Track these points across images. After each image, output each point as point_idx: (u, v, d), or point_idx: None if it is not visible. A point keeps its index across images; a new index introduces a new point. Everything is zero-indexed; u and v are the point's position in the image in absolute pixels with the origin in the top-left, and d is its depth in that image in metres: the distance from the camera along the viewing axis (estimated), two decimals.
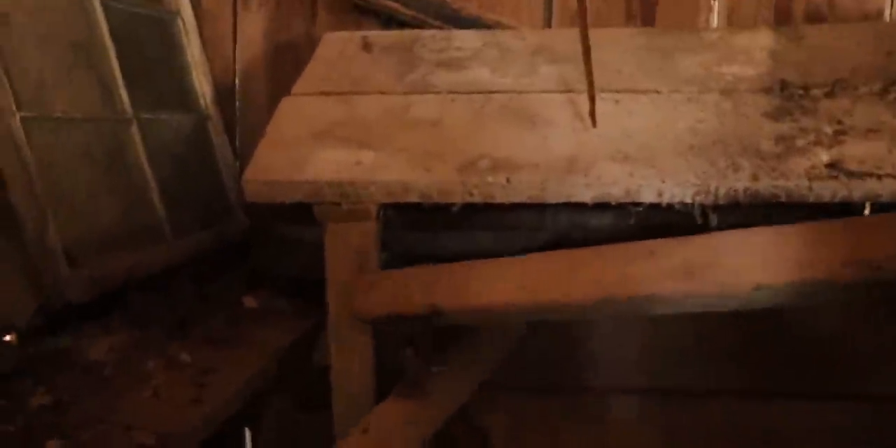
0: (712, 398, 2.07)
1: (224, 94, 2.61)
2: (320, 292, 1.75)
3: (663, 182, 1.58)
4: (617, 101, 1.82)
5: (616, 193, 1.60)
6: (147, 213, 2.09)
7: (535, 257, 1.65)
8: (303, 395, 2.02)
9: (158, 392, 1.58)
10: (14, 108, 1.66)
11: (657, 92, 1.87)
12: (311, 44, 2.38)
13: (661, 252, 1.54)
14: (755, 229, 1.54)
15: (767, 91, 1.86)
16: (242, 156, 2.57)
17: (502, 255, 2.19)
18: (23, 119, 1.66)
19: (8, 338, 1.58)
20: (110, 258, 1.85)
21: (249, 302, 2.11)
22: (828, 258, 1.46)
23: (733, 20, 2.48)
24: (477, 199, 1.65)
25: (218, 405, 1.57)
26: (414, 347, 1.70)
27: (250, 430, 2.26)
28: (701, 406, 2.06)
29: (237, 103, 2.64)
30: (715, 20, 2.47)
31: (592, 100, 1.73)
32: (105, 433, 1.37)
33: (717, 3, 2.48)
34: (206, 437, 1.50)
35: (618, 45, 2.06)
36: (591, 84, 1.72)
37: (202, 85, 2.52)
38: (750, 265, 1.49)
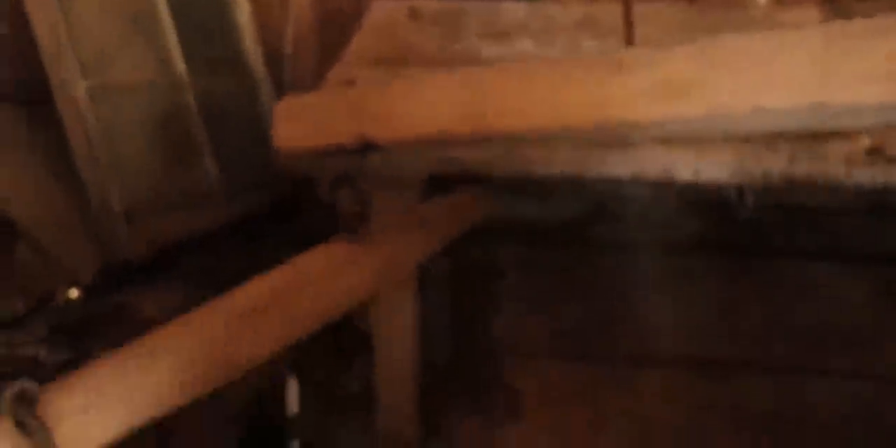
0: (744, 370, 2.14)
1: (274, 59, 2.68)
2: None
3: (700, 161, 1.62)
4: None
5: (652, 171, 1.64)
6: (200, 176, 2.19)
7: (481, 73, 1.47)
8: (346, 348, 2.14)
9: None
10: (79, 77, 1.76)
11: None
12: (360, 10, 2.43)
13: (635, 65, 1.34)
14: (757, 35, 1.36)
15: None
16: None
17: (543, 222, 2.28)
18: (87, 88, 1.76)
19: (73, 294, 1.70)
20: (166, 219, 1.95)
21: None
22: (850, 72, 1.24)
23: None
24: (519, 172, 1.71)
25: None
26: (350, 188, 1.50)
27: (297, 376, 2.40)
28: (732, 378, 2.13)
29: (286, 68, 2.71)
30: None
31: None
32: None
33: None
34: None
35: (661, 20, 2.08)
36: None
37: (253, 51, 2.59)
38: (749, 82, 1.31)
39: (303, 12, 2.73)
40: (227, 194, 2.24)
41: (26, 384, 0.91)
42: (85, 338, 1.58)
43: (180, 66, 2.19)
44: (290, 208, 2.41)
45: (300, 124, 1.58)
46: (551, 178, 1.64)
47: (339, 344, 2.22)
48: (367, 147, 1.45)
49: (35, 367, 1.44)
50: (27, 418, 0.90)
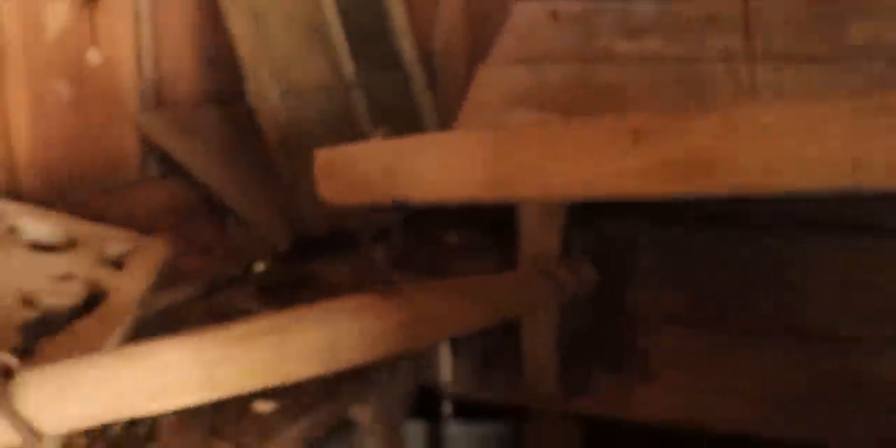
0: (869, 345, 2.24)
1: (426, 55, 2.97)
2: (509, 230, 2.08)
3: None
4: (777, 70, 2.01)
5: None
6: None
7: (507, 138, 1.46)
8: None
9: None
10: (271, 82, 2.09)
11: (819, 60, 2.03)
12: (504, 12, 2.67)
13: (654, 136, 1.27)
14: (786, 106, 1.24)
15: None
16: (441, 111, 2.93)
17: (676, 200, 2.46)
18: (280, 92, 2.09)
19: (259, 267, 2.05)
20: None
21: (451, 238, 2.49)
22: None
23: None
24: None
25: None
26: (387, 241, 1.60)
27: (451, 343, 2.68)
28: (855, 352, 2.24)
29: (437, 64, 2.99)
30: None
31: (752, 70, 1.93)
32: None
33: None
34: None
35: (785, 10, 2.21)
36: (752, 53, 1.92)
37: (408, 48, 2.89)
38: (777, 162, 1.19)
39: (452, 15, 3.00)
40: None
41: (5, 358, 1.02)
42: (284, 296, 1.92)
43: (349, 67, 2.51)
44: None
45: (339, 182, 1.65)
46: None
47: None
48: (401, 206, 1.52)
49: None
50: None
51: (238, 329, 1.18)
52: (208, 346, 1.13)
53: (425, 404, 2.89)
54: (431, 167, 1.51)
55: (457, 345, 2.54)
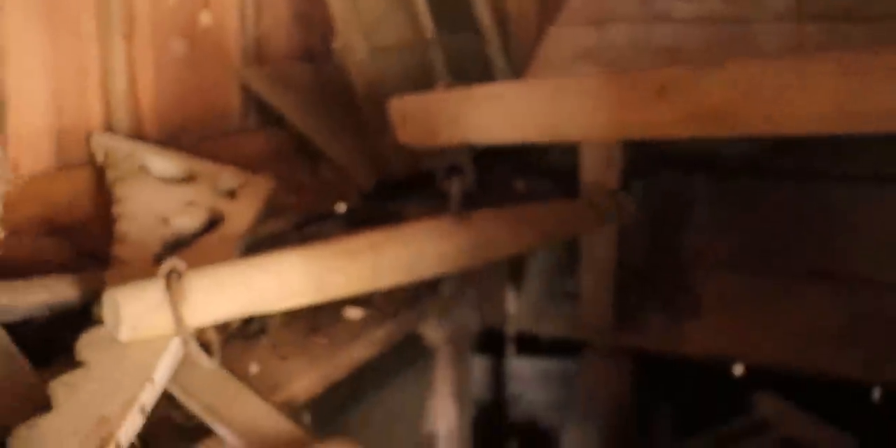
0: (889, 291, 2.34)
1: (500, 18, 3.16)
2: (571, 178, 2.26)
3: None
4: (824, 30, 2.15)
5: None
6: None
7: (554, 89, 1.74)
8: (557, 256, 2.61)
9: None
10: (362, 40, 2.33)
11: (862, 20, 2.15)
12: None
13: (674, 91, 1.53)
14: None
15: None
16: (514, 71, 3.13)
17: (729, 155, 2.63)
18: (369, 50, 2.33)
19: (341, 208, 2.30)
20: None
21: (519, 185, 2.71)
22: None
23: None
24: None
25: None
26: (458, 177, 1.82)
27: (513, 284, 2.90)
28: (887, 296, 2.34)
29: (511, 27, 3.18)
30: None
31: (801, 30, 2.08)
32: None
33: None
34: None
35: None
36: (801, 14, 2.07)
37: (485, 12, 3.08)
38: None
39: None
40: None
41: (176, 262, 1.26)
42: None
43: (429, 27, 2.72)
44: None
45: (411, 126, 1.95)
46: None
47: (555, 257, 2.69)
48: (466, 145, 1.82)
49: None
50: (174, 282, 1.25)
51: (344, 244, 1.44)
52: (321, 257, 1.39)
53: (491, 343, 3.15)
54: (490, 114, 1.77)
55: (519, 284, 2.76)
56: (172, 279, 1.25)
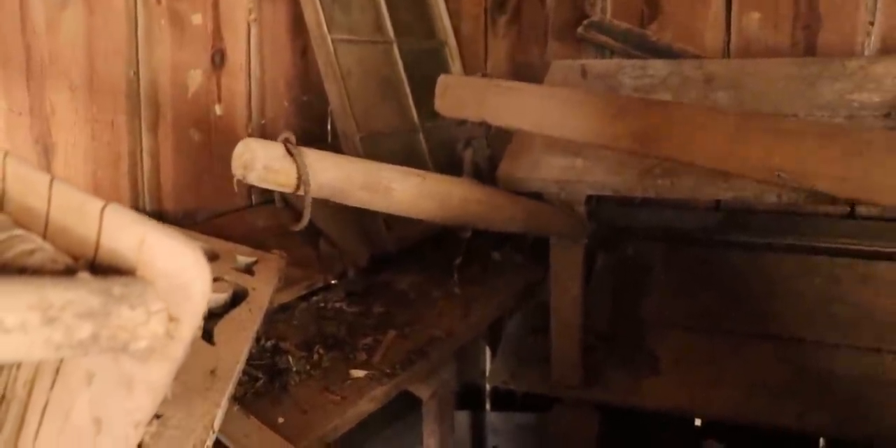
0: (836, 349, 2.61)
1: None
2: (545, 250, 2.51)
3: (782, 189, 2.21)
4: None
5: (748, 196, 2.20)
6: None
7: (538, 97, 2.22)
8: (530, 321, 2.89)
9: (442, 311, 2.41)
10: (355, 129, 2.65)
11: (795, 116, 2.50)
12: (544, 65, 3.14)
13: (626, 115, 2.07)
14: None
15: (886, 116, 2.43)
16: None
17: (685, 228, 2.97)
18: (360, 137, 2.65)
19: (352, 273, 2.59)
20: (410, 224, 2.79)
21: (496, 256, 3.00)
22: None
23: (888, 44, 2.89)
24: (651, 195, 2.40)
25: (478, 320, 2.49)
26: (474, 148, 2.28)
27: (490, 346, 3.18)
28: (824, 354, 2.60)
29: None
30: (871, 44, 2.92)
31: None
32: (415, 329, 2.32)
33: (874, 28, 2.94)
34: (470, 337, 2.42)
35: (771, 74, 2.65)
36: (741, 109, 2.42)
37: None
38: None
39: (500, 63, 3.52)
40: None
41: (289, 134, 1.46)
42: (366, 299, 2.46)
43: (415, 116, 3.04)
44: None
45: (448, 100, 2.39)
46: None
47: (528, 321, 2.96)
48: (484, 123, 2.23)
49: (341, 315, 2.33)
50: (290, 146, 1.48)
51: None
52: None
53: (470, 399, 3.40)
54: (500, 103, 2.24)
55: (495, 346, 3.03)
56: (289, 142, 1.48)
